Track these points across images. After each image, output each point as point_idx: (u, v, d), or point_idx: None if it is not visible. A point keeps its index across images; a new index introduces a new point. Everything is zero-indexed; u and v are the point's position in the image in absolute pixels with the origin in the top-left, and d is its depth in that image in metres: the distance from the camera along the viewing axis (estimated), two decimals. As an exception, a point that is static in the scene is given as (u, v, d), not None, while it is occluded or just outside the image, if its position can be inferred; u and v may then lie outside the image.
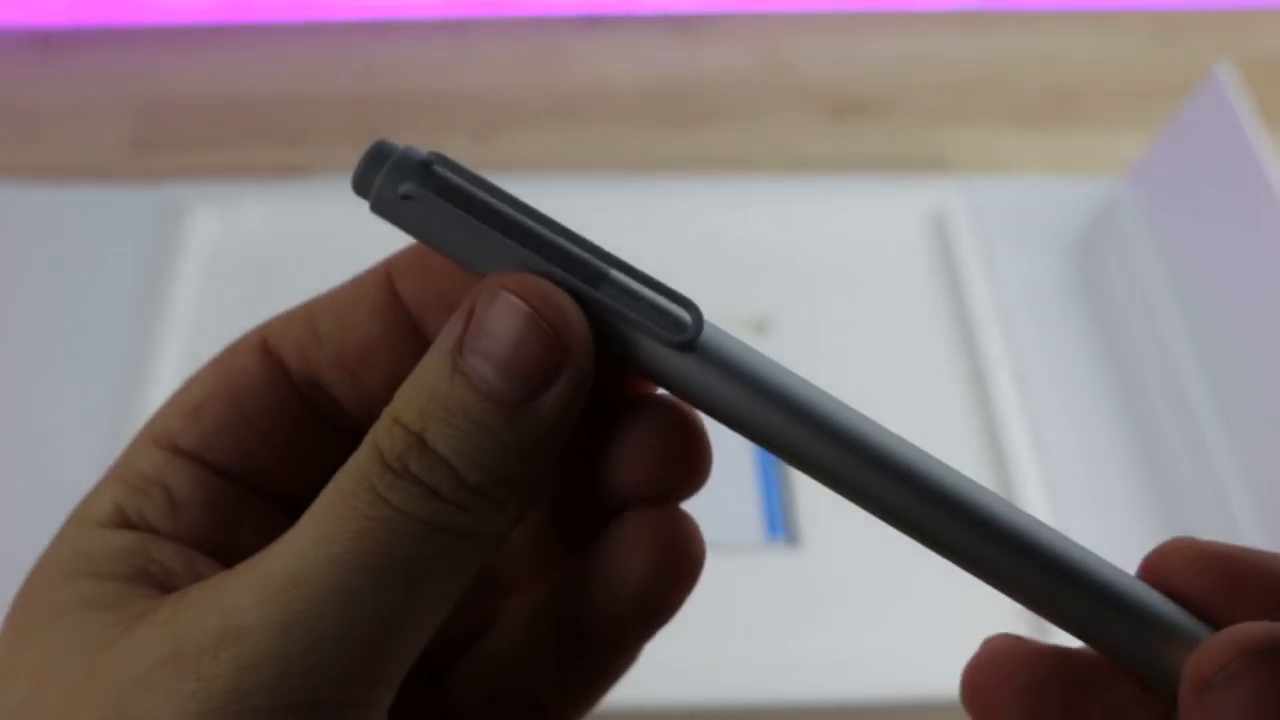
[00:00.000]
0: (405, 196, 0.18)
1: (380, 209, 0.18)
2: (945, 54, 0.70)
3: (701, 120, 0.65)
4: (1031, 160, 0.63)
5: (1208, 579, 0.17)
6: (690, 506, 0.20)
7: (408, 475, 0.16)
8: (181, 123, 0.64)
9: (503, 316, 0.17)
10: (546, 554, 0.21)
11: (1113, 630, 0.17)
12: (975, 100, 0.67)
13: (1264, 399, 0.46)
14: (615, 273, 0.18)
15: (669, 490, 0.19)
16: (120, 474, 0.19)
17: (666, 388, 0.18)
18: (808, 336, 0.51)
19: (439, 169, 0.18)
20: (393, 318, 0.20)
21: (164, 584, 0.18)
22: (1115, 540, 0.48)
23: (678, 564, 0.19)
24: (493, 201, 0.18)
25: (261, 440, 0.19)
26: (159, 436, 0.19)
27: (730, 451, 0.47)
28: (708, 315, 0.18)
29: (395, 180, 0.18)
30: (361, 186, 0.18)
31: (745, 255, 0.53)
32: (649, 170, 0.61)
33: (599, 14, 0.70)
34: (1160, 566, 0.17)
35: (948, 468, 0.18)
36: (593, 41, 0.69)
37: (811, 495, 0.46)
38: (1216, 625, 0.17)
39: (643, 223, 0.54)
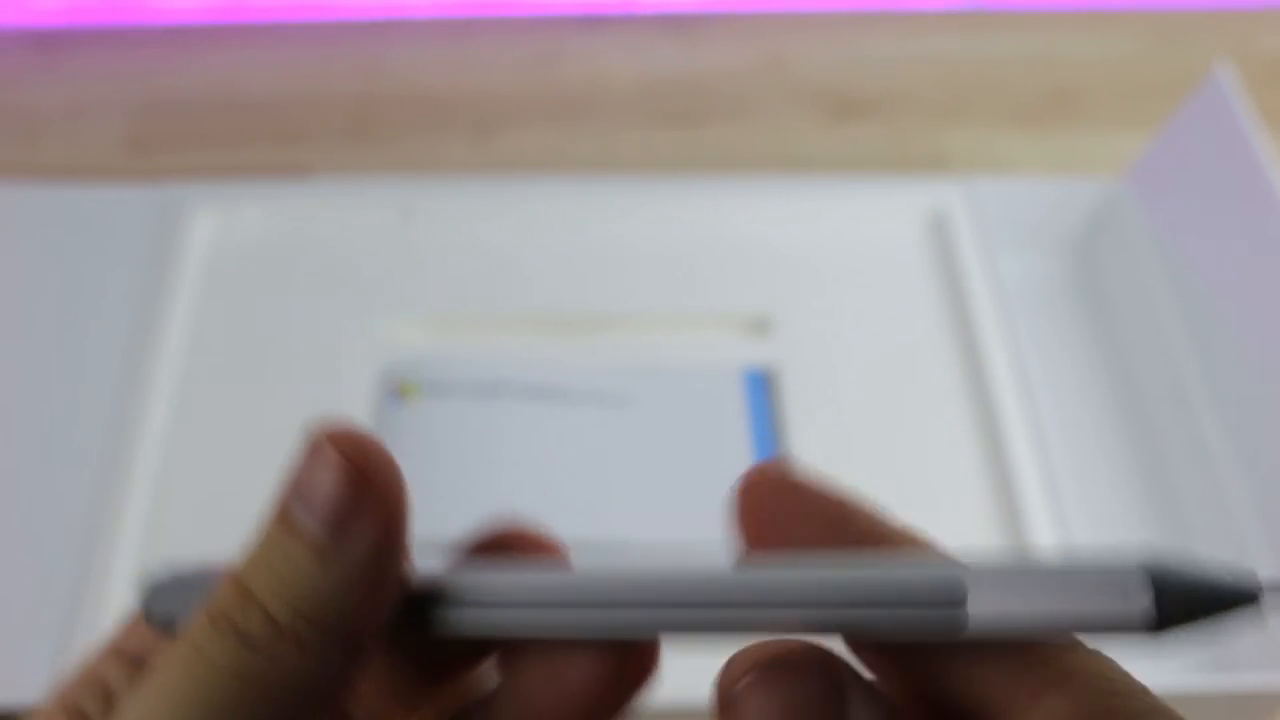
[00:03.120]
0: None
1: None
2: (945, 54, 0.70)
3: (701, 120, 0.65)
4: (1031, 160, 0.63)
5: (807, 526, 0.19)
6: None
7: (224, 624, 0.17)
8: (181, 122, 0.64)
9: (314, 461, 0.18)
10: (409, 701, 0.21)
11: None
12: (975, 100, 0.67)
13: (1264, 399, 0.46)
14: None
15: None
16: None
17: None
18: (807, 336, 0.51)
19: None
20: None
21: None
22: (1114, 539, 0.48)
23: None
24: None
25: None
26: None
27: (728, 448, 0.47)
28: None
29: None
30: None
31: (745, 255, 0.53)
32: (649, 170, 0.61)
33: (599, 14, 0.70)
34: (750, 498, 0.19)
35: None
36: (593, 41, 0.69)
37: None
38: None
39: (642, 223, 0.54)
